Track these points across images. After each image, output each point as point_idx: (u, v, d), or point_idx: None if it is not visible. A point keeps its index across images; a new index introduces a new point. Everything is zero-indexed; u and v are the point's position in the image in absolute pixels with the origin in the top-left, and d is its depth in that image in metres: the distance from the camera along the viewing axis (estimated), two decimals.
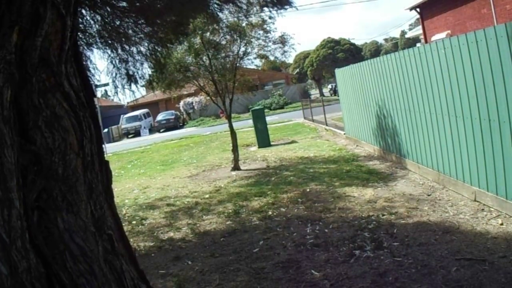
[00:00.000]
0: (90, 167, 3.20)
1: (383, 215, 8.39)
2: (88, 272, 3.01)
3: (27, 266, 2.71)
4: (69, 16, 3.02)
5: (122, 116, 56.85)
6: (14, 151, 2.71)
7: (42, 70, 2.92)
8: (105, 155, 3.49)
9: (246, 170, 15.88)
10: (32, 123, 2.90)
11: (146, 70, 10.94)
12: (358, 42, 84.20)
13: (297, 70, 76.07)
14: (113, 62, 9.47)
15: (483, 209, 7.79)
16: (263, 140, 21.41)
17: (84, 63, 7.10)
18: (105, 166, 3.43)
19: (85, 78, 3.32)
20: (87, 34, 8.49)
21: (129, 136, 53.60)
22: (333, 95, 61.81)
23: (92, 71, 9.40)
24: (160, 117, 54.41)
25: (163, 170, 19.62)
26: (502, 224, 7.03)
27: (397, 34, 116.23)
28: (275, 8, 8.94)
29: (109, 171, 3.51)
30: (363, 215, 8.57)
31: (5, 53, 2.64)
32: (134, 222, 10.86)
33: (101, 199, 3.30)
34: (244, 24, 15.41)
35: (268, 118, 23.65)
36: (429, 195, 9.16)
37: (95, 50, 9.16)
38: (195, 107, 55.41)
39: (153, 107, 60.14)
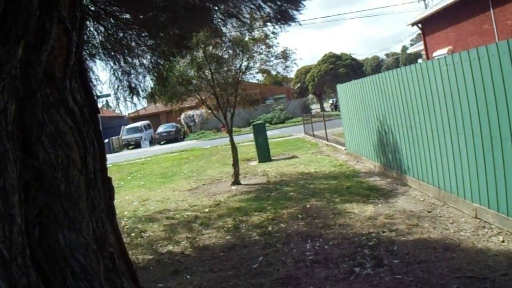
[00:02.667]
0: (93, 184, 3.19)
1: (384, 232, 8.37)
2: None
3: (27, 283, 2.69)
4: (75, 31, 3.02)
5: (122, 127, 57.00)
6: (17, 167, 2.70)
7: (46, 85, 2.92)
8: (108, 171, 3.47)
9: (247, 184, 15.85)
10: (36, 138, 2.89)
11: (148, 82, 10.97)
12: (359, 57, 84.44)
13: (298, 84, 76.19)
14: (116, 74, 9.48)
15: (484, 226, 7.77)
16: (264, 154, 21.41)
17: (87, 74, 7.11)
18: (107, 183, 3.42)
19: (89, 94, 3.32)
20: (90, 45, 8.51)
21: (130, 147, 53.65)
22: (334, 110, 61.94)
23: (94, 82, 9.42)
24: (161, 129, 54.53)
25: (163, 182, 19.59)
26: (503, 241, 7.00)
27: (398, 50, 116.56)
28: (279, 24, 8.96)
29: (112, 188, 3.50)
30: (363, 232, 8.54)
31: (10, 67, 2.64)
32: (133, 234, 10.82)
33: (103, 217, 3.29)
34: (246, 39, 15.45)
35: (269, 133, 23.67)
36: (429, 212, 9.14)
37: (97, 61, 9.19)
38: (196, 120, 55.48)
39: (154, 119, 60.30)
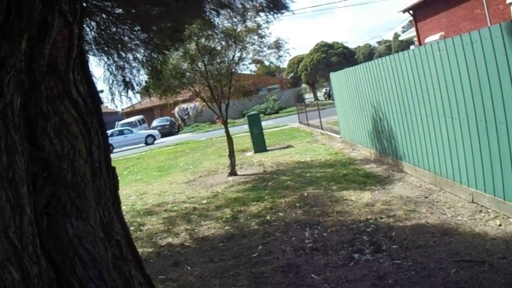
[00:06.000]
0: (99, 174, 3.22)
1: (381, 218, 8.42)
2: (98, 278, 3.03)
3: (39, 271, 2.74)
4: (76, 24, 3.05)
5: (117, 122, 56.78)
6: (25, 158, 2.74)
7: (50, 77, 2.95)
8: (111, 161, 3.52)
9: (243, 175, 15.89)
10: (41, 130, 2.93)
11: (143, 76, 10.98)
12: (351, 45, 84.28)
13: (291, 74, 76.08)
14: (110, 69, 9.49)
15: (481, 211, 7.82)
16: (259, 145, 21.42)
17: None
18: (112, 173, 3.45)
19: (91, 85, 3.35)
20: (83, 41, 8.49)
21: None
22: (327, 99, 61.96)
23: None
24: (155, 123, 54.41)
25: (160, 176, 19.60)
26: (500, 225, 7.05)
27: (390, 37, 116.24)
28: (272, 13, 8.97)
29: (116, 177, 3.53)
30: (361, 219, 8.59)
31: (15, 60, 2.67)
32: (132, 228, 10.83)
33: (109, 205, 3.32)
34: (239, 30, 15.44)
35: (263, 123, 23.63)
36: (426, 198, 9.19)
37: (91, 57, 9.17)
38: (190, 113, 55.39)
39: (148, 113, 60.14)
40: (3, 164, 2.61)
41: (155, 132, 44.92)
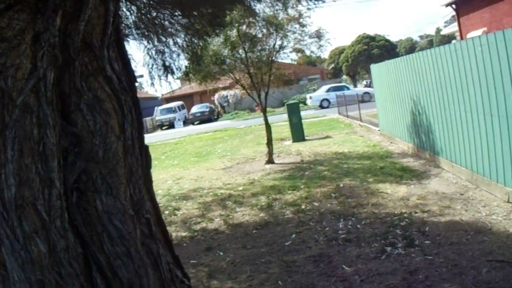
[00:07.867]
0: (131, 151, 3.25)
1: (416, 212, 8.31)
2: (125, 255, 3.06)
3: (65, 245, 2.78)
4: (112, 2, 3.07)
5: (156, 108, 57.22)
6: (56, 133, 2.78)
7: (84, 53, 2.98)
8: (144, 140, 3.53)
9: (280, 163, 15.86)
10: (74, 106, 2.96)
11: (183, 61, 11.03)
12: (393, 38, 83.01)
13: (332, 65, 75.63)
14: (150, 53, 9.56)
15: None
16: (298, 134, 21.32)
17: None
18: (145, 151, 3.47)
19: (126, 63, 3.36)
20: (123, 25, 8.56)
21: (163, 128, 53.88)
22: None
23: None
24: (194, 109, 54.47)
25: (197, 161, 19.70)
26: None
27: (432, 31, 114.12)
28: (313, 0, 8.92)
29: (149, 156, 3.55)
30: (395, 212, 8.51)
31: (49, 36, 2.70)
32: (167, 212, 10.93)
33: (140, 183, 3.35)
34: (280, 18, 15.38)
35: (302, 113, 23.47)
36: (462, 194, 9.03)
37: (131, 41, 9.26)
38: (230, 101, 55.42)
39: (188, 99, 60.37)
40: (34, 137, 2.66)
41: (371, 90, 44.74)
